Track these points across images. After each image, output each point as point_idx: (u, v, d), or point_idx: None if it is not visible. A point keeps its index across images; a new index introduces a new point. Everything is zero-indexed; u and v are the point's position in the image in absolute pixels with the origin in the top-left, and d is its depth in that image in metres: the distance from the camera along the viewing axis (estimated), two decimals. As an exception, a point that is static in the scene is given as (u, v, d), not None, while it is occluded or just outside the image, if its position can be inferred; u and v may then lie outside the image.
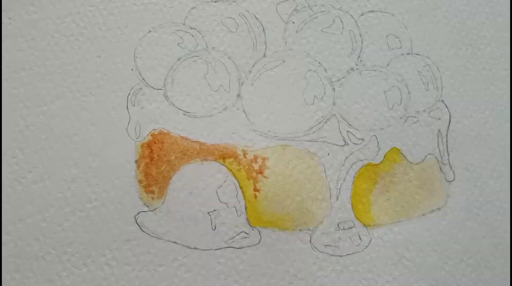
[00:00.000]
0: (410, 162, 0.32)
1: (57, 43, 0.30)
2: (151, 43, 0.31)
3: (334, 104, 0.31)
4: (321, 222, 0.30)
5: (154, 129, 0.30)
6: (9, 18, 0.30)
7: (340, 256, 0.30)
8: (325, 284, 0.29)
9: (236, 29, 0.31)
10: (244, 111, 0.31)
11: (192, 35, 0.31)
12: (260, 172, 0.30)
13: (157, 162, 0.29)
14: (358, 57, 0.32)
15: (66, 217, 0.28)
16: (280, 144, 0.31)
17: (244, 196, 0.30)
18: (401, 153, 0.32)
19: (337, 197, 0.31)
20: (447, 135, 0.33)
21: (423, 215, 0.31)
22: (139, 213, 0.29)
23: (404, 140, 0.32)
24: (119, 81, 0.30)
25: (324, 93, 0.31)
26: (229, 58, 0.31)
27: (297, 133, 0.31)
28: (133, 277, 0.28)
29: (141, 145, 0.29)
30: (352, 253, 0.30)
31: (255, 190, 0.29)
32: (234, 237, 0.29)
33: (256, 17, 0.32)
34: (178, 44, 0.31)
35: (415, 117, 0.32)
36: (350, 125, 0.31)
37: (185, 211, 0.29)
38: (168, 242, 0.29)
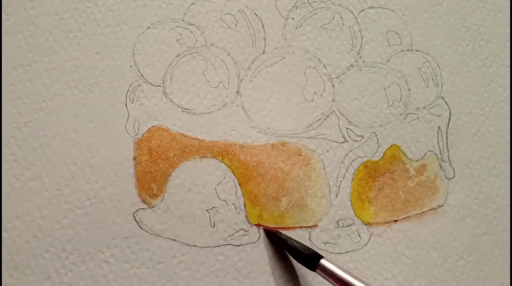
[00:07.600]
0: (410, 159, 0.32)
1: (55, 39, 0.30)
2: (150, 40, 0.30)
3: (333, 100, 0.31)
4: (320, 220, 0.30)
5: (152, 126, 0.30)
6: (7, 15, 0.30)
7: (339, 253, 0.30)
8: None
9: (235, 25, 0.31)
10: (243, 108, 0.30)
11: (191, 32, 0.31)
12: (258, 169, 0.30)
13: (156, 159, 0.29)
14: (358, 53, 0.32)
15: (65, 215, 0.28)
16: (280, 141, 0.30)
17: (243, 194, 0.29)
18: (401, 150, 0.32)
19: (337, 194, 0.31)
20: (447, 132, 0.33)
21: (423, 212, 0.31)
22: (137, 210, 0.28)
23: (404, 137, 0.32)
24: (118, 77, 0.30)
25: (324, 90, 0.31)
26: (228, 54, 0.31)
27: (297, 130, 0.31)
28: (131, 274, 0.28)
29: (139, 142, 0.29)
30: (351, 251, 0.30)
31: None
32: (233, 234, 0.29)
33: (255, 13, 0.32)
34: (177, 40, 0.31)
35: (415, 114, 0.32)
36: (349, 122, 0.31)
37: (184, 208, 0.29)
38: (167, 240, 0.28)
